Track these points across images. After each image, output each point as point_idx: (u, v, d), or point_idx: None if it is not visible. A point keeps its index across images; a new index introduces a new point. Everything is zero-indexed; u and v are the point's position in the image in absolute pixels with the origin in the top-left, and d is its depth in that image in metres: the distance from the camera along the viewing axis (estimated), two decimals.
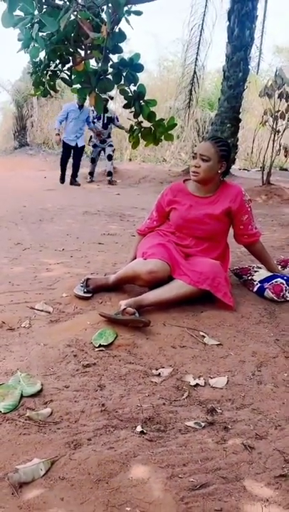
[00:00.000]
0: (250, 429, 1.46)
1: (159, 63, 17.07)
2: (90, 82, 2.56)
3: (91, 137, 8.79)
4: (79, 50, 2.61)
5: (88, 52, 2.58)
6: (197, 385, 1.72)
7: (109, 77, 2.61)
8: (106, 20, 2.32)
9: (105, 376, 1.76)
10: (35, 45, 2.46)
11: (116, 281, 2.44)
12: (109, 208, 5.81)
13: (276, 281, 2.45)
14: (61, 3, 2.44)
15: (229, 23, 7.57)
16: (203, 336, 2.07)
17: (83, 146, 8.39)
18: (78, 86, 2.60)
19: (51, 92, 2.82)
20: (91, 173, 9.05)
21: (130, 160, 12.85)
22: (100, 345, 1.98)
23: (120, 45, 2.51)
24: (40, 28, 2.32)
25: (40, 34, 2.43)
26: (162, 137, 3.02)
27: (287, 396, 1.67)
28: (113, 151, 9.05)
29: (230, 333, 2.11)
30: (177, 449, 1.34)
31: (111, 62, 2.54)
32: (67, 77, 2.68)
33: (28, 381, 1.68)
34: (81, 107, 7.94)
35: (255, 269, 2.63)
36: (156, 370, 1.82)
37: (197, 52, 8.30)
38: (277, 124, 6.65)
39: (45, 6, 2.35)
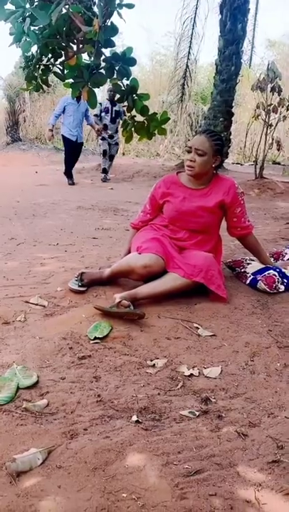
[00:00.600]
0: (244, 417, 1.49)
1: (152, 57, 17.06)
2: (82, 77, 2.56)
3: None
4: (71, 44, 2.61)
5: (80, 46, 2.58)
6: (191, 375, 1.74)
7: (102, 71, 2.62)
8: (98, 13, 2.32)
9: (101, 368, 1.78)
10: (27, 39, 2.45)
11: (110, 275, 2.46)
12: (103, 202, 5.81)
13: (269, 273, 2.47)
14: None
15: (221, 17, 7.56)
16: (197, 328, 2.10)
17: (82, 143, 7.92)
18: (71, 80, 2.60)
19: (44, 86, 2.81)
20: (104, 170, 8.38)
21: (123, 155, 12.85)
22: (95, 338, 1.99)
23: (113, 39, 2.52)
24: (31, 21, 2.32)
25: (32, 28, 2.42)
26: (155, 131, 3.03)
27: (279, 385, 1.70)
28: (116, 151, 8.55)
29: (223, 325, 2.14)
30: (172, 437, 1.36)
31: (103, 57, 2.55)
32: (60, 72, 2.68)
33: (24, 373, 1.69)
34: (79, 98, 7.29)
35: (248, 262, 2.66)
36: (151, 361, 1.84)
37: (190, 46, 8.29)
38: (269, 117, 6.67)
39: (36, 0, 2.34)
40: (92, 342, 1.96)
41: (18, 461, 1.20)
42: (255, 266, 2.59)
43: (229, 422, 1.46)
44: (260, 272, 2.52)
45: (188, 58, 8.43)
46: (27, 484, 1.15)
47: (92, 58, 2.45)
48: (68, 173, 7.85)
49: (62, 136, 7.69)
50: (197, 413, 1.50)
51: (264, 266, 2.57)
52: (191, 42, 8.20)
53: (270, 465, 1.25)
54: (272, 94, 6.47)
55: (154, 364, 1.82)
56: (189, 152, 2.43)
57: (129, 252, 2.63)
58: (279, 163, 11.34)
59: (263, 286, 2.44)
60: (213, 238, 2.54)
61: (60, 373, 1.73)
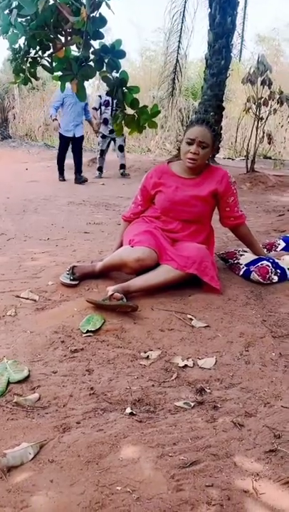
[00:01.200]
0: (240, 407, 1.46)
1: (141, 53, 16.98)
2: (71, 69, 2.51)
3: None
4: (59, 36, 2.56)
5: (69, 38, 2.53)
6: (186, 366, 1.72)
7: (91, 63, 2.57)
8: (85, 3, 2.27)
9: (93, 361, 1.75)
10: (14, 31, 2.40)
11: (103, 269, 2.42)
12: (95, 198, 5.77)
13: (262, 264, 2.45)
14: None
15: (211, 10, 7.52)
16: (191, 319, 2.07)
17: (82, 137, 7.42)
18: (60, 73, 2.55)
19: (32, 79, 2.76)
20: (100, 169, 8.08)
21: (114, 151, 12.75)
22: (88, 331, 1.96)
23: (101, 31, 2.47)
24: (18, 12, 2.27)
25: (19, 20, 2.37)
26: (146, 124, 2.99)
27: (275, 374, 1.67)
28: (124, 141, 8.17)
29: (217, 316, 2.11)
30: (167, 428, 1.33)
31: (92, 49, 2.50)
32: (48, 64, 2.63)
33: (15, 368, 1.65)
34: None
35: (241, 253, 2.64)
36: (145, 353, 1.81)
37: (179, 40, 8.25)
38: (260, 111, 6.65)
39: None
40: (84, 335, 1.93)
41: (8, 456, 1.16)
42: (248, 257, 2.57)
43: (225, 413, 1.43)
44: (253, 262, 2.50)
45: (178, 53, 8.38)
46: (18, 479, 1.11)
47: (81, 50, 2.41)
48: (60, 172, 7.55)
49: (59, 133, 7.35)
50: (192, 404, 1.47)
51: (257, 257, 2.54)
52: (180, 36, 8.15)
53: (268, 454, 1.23)
54: (263, 88, 6.45)
55: (148, 356, 1.79)
56: (190, 144, 2.36)
57: (121, 245, 2.59)
58: (270, 158, 11.34)
59: (256, 277, 2.42)
60: (206, 229, 2.51)
61: (51, 367, 1.69)
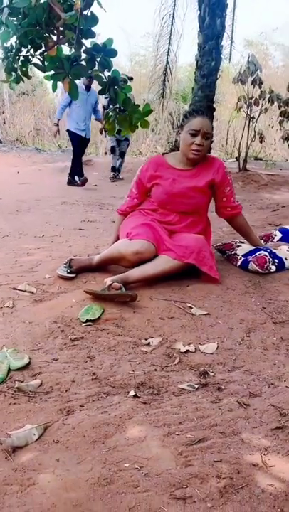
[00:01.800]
0: (244, 388, 1.45)
1: (131, 58, 17.04)
2: (63, 68, 2.51)
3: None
4: (51, 34, 2.56)
5: (61, 36, 2.53)
6: (187, 351, 1.70)
7: (83, 62, 2.57)
8: None
9: (94, 348, 1.73)
10: (6, 29, 2.39)
11: (100, 262, 2.40)
12: (88, 198, 5.75)
13: (260, 254, 2.45)
14: None
15: (200, 12, 7.55)
16: (191, 308, 2.06)
17: (89, 140, 7.01)
18: (51, 72, 2.55)
19: (24, 78, 2.75)
20: (114, 168, 7.69)
21: (106, 154, 12.76)
22: (87, 320, 1.94)
23: (93, 30, 2.47)
24: (10, 7, 2.26)
25: (11, 19, 2.36)
26: (138, 124, 2.99)
27: (278, 358, 1.67)
28: (127, 147, 7.84)
29: (217, 304, 2.10)
30: (172, 409, 1.32)
31: (84, 48, 2.50)
32: (40, 63, 2.62)
33: (15, 356, 1.63)
34: (88, 88, 6.56)
35: (238, 244, 2.64)
36: (146, 340, 1.80)
37: (169, 42, 8.28)
38: (251, 110, 6.69)
39: None
40: (84, 324, 1.91)
41: (13, 436, 1.14)
42: (245, 248, 2.57)
43: (229, 394, 1.42)
44: (250, 253, 2.50)
45: (168, 54, 8.42)
46: (24, 459, 1.09)
47: (74, 46, 2.41)
48: (79, 172, 6.99)
49: (69, 131, 6.80)
50: (196, 386, 1.46)
51: (254, 247, 2.54)
52: (170, 38, 8.20)
53: (275, 431, 1.22)
54: (254, 87, 6.49)
55: (149, 343, 1.78)
56: (195, 135, 2.34)
57: (117, 239, 2.57)
58: (261, 159, 11.41)
59: (254, 267, 2.41)
60: (203, 220, 2.50)
61: (52, 355, 1.67)
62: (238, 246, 2.61)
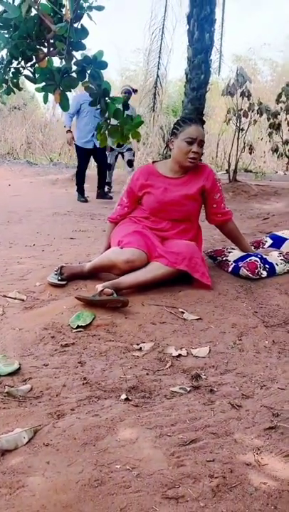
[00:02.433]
0: (236, 390, 1.44)
1: (122, 73, 17.25)
2: (54, 80, 2.53)
3: None
4: (42, 47, 2.59)
5: (51, 48, 2.57)
6: (180, 355, 1.69)
7: (74, 74, 2.60)
8: (68, 6, 2.31)
9: (85, 354, 1.71)
10: None
11: (91, 270, 2.39)
12: (79, 208, 5.75)
13: (250, 260, 2.46)
14: None
15: (189, 27, 7.69)
16: (182, 312, 2.05)
17: (104, 148, 6.51)
18: (42, 84, 2.57)
19: (15, 90, 2.77)
20: (108, 183, 7.38)
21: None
22: (78, 327, 1.93)
23: (84, 43, 2.51)
24: (0, 21, 2.28)
25: (2, 31, 2.39)
26: (130, 135, 3.02)
27: (270, 360, 1.66)
28: (133, 156, 7.57)
29: (208, 309, 2.10)
30: (164, 411, 1.31)
31: (75, 60, 2.53)
32: (31, 75, 2.65)
33: (5, 362, 1.61)
34: None
35: (229, 250, 2.64)
36: (137, 345, 1.78)
37: (159, 57, 8.40)
38: (240, 122, 6.78)
39: None
40: (74, 331, 1.90)
41: (2, 439, 1.12)
42: (236, 254, 2.58)
43: (222, 396, 1.41)
44: (241, 259, 2.50)
45: (158, 68, 8.53)
46: (13, 462, 1.07)
47: (64, 56, 2.44)
48: (80, 188, 6.65)
49: (75, 145, 6.45)
50: (188, 389, 1.45)
51: (245, 253, 2.55)
52: (160, 52, 8.31)
53: (267, 431, 1.21)
54: (242, 99, 6.59)
55: (141, 348, 1.77)
56: (191, 143, 2.35)
57: (108, 246, 2.57)
58: (251, 171, 11.52)
59: (245, 273, 2.42)
60: (194, 226, 2.51)
61: (42, 360, 1.65)
62: (229, 252, 2.62)
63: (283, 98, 7.99)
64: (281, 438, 1.17)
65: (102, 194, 6.75)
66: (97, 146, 6.15)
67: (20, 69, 2.72)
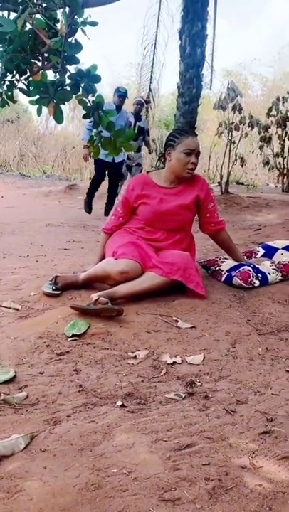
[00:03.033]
0: (231, 396, 1.46)
1: (114, 87, 17.45)
2: (48, 93, 2.58)
3: None
4: (36, 60, 2.64)
5: (45, 62, 2.61)
6: (174, 363, 1.71)
7: (67, 88, 2.65)
8: (63, 21, 2.36)
9: (80, 362, 1.72)
10: None
11: (86, 280, 2.41)
12: (73, 220, 5.78)
13: (243, 269, 2.49)
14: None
15: (181, 42, 7.83)
16: (177, 321, 2.07)
17: (122, 162, 6.24)
18: (36, 97, 2.61)
19: (9, 102, 2.81)
20: (118, 193, 6.78)
21: (90, 179, 12.90)
22: (73, 335, 1.94)
23: (78, 57, 2.56)
24: None
25: None
26: (122, 147, 3.06)
27: (263, 367, 1.68)
28: (141, 171, 6.71)
29: (202, 317, 2.12)
30: (160, 417, 1.32)
31: (68, 73, 2.58)
32: (26, 88, 2.68)
33: (0, 370, 1.62)
34: (119, 107, 5.93)
35: (222, 260, 2.68)
36: (132, 353, 1.80)
37: (152, 70, 8.55)
38: (232, 135, 6.88)
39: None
40: (69, 339, 1.91)
41: None
42: (229, 263, 2.61)
43: (216, 402, 1.42)
44: (234, 268, 2.53)
45: (150, 82, 8.68)
46: (10, 467, 1.07)
47: (59, 69, 2.48)
48: (89, 197, 6.26)
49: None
50: (183, 395, 1.46)
51: (238, 263, 2.58)
52: (152, 66, 8.46)
53: (262, 436, 1.22)
54: (234, 113, 6.70)
55: (136, 356, 1.78)
56: (189, 154, 2.40)
57: (103, 257, 2.58)
58: (242, 184, 11.65)
59: (238, 282, 2.45)
60: (188, 236, 2.55)
61: (38, 369, 1.66)
62: (222, 262, 2.65)
63: (273, 112, 8.16)
64: (275, 442, 1.19)
65: (110, 211, 6.53)
66: (116, 160, 6.03)
67: (15, 82, 2.77)
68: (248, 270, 2.48)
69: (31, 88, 2.65)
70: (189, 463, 1.09)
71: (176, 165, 2.43)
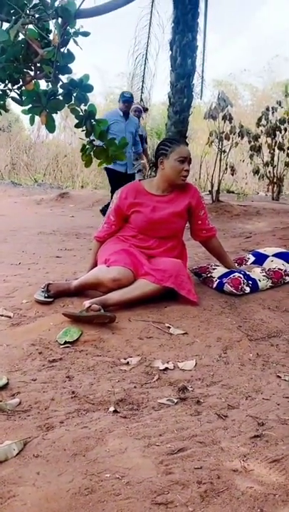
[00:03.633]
0: (222, 401, 1.48)
1: (106, 96, 17.55)
2: (40, 102, 2.60)
3: None
4: (28, 70, 2.67)
5: (38, 72, 2.64)
6: (166, 368, 1.72)
7: (60, 97, 2.68)
8: (56, 31, 2.39)
9: (73, 368, 1.73)
10: None
11: (78, 287, 2.41)
12: (64, 228, 5.78)
13: (234, 276, 2.52)
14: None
15: (172, 53, 7.93)
16: (169, 327, 2.09)
17: (133, 176, 5.80)
18: (29, 106, 2.63)
19: (1, 111, 2.83)
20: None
21: (82, 187, 12.93)
22: (66, 342, 1.94)
23: (70, 67, 2.59)
24: None
25: None
26: (115, 156, 3.08)
27: (254, 372, 1.70)
28: (143, 178, 6.64)
29: (194, 324, 2.14)
30: (152, 422, 1.33)
31: (61, 83, 2.61)
32: (18, 97, 2.70)
33: None
34: (126, 113, 5.60)
35: (214, 267, 2.70)
36: (125, 359, 1.81)
37: (143, 80, 8.64)
38: (222, 144, 6.96)
39: None
40: (62, 346, 1.91)
41: None
42: (220, 270, 2.64)
43: (208, 407, 1.44)
44: (225, 275, 2.56)
45: (142, 92, 8.76)
46: (3, 473, 1.08)
47: (51, 79, 2.51)
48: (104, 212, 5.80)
49: (106, 168, 5.69)
50: (175, 401, 1.48)
51: (229, 270, 2.61)
52: (144, 76, 8.56)
53: (253, 439, 1.24)
54: (224, 122, 6.78)
55: (128, 362, 1.79)
56: (183, 162, 2.43)
57: (95, 264, 2.59)
58: (233, 192, 11.74)
59: (229, 288, 2.47)
60: (180, 243, 2.57)
61: (30, 375, 1.67)
62: (214, 269, 2.67)
63: (263, 122, 8.27)
64: (266, 445, 1.20)
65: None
66: (129, 171, 5.66)
67: (7, 91, 2.79)
68: (239, 277, 2.51)
69: (24, 97, 2.68)
70: (182, 467, 1.10)
71: (170, 173, 2.45)
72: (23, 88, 2.65)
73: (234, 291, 2.46)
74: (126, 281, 2.29)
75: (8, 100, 2.74)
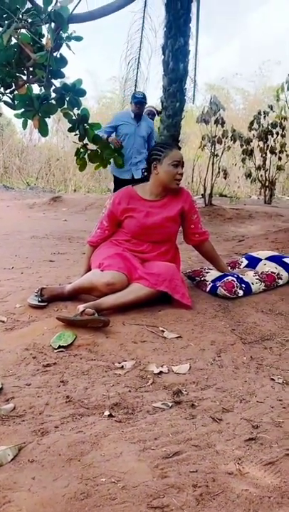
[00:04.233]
0: (217, 404, 1.48)
1: (98, 100, 17.58)
2: (33, 106, 2.59)
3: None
4: (21, 74, 2.67)
5: (30, 76, 2.64)
6: (161, 372, 1.73)
7: (52, 101, 2.67)
8: (49, 36, 2.39)
9: (67, 373, 1.73)
10: None
11: (72, 292, 2.41)
12: (57, 232, 5.77)
13: (227, 279, 2.53)
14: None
15: (164, 57, 7.97)
16: (163, 331, 2.09)
17: (141, 180, 5.44)
18: (22, 110, 2.62)
19: None
20: None
21: (75, 191, 12.93)
22: (60, 347, 1.94)
23: (63, 71, 2.59)
24: None
25: None
26: (110, 159, 3.08)
27: (248, 375, 1.71)
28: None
29: (188, 327, 2.14)
30: (147, 426, 1.33)
31: (54, 87, 2.61)
32: (11, 101, 2.70)
33: None
34: (138, 116, 5.24)
35: (207, 271, 2.71)
36: (119, 363, 1.81)
37: (135, 84, 8.66)
38: (215, 148, 7.00)
39: None
40: (56, 351, 1.91)
41: None
42: (213, 274, 2.65)
43: (203, 410, 1.44)
44: (219, 278, 2.57)
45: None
46: None
47: (44, 83, 2.51)
48: None
49: (113, 176, 5.62)
50: (170, 404, 1.48)
51: (222, 273, 2.62)
52: (136, 81, 8.58)
53: (248, 442, 1.25)
54: (216, 126, 6.82)
55: (123, 366, 1.79)
56: (176, 166, 2.45)
57: (89, 269, 2.59)
58: (226, 196, 11.80)
59: (222, 292, 2.48)
60: (173, 247, 2.58)
61: (25, 380, 1.66)
62: (207, 272, 2.68)
63: (255, 125, 8.34)
64: (261, 448, 1.21)
65: None
66: (136, 177, 5.10)
67: (0, 95, 2.78)
68: (232, 280, 2.52)
69: (16, 101, 2.68)
70: (177, 470, 1.10)
71: (164, 177, 2.46)
72: (16, 92, 2.66)
73: (227, 294, 2.48)
74: (120, 286, 2.29)
75: (1, 104, 2.74)
